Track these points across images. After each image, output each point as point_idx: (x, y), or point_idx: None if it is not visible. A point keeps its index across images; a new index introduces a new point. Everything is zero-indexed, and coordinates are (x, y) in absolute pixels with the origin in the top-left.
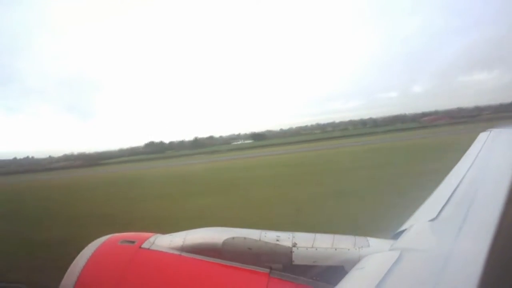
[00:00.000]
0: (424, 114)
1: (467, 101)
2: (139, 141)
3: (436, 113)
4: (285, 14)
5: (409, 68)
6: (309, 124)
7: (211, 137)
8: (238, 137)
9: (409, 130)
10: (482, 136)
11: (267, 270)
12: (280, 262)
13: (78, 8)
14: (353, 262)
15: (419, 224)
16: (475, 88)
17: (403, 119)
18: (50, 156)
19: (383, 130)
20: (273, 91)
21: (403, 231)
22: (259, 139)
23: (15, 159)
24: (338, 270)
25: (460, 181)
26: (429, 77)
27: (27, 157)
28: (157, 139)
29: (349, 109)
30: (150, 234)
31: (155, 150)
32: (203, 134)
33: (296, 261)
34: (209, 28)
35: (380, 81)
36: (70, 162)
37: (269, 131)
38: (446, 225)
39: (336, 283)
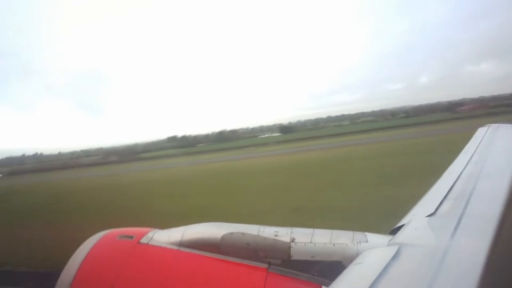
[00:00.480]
0: (457, 103)
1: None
2: (155, 135)
3: (473, 101)
4: (298, 11)
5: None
6: (318, 116)
7: (234, 131)
8: (261, 129)
9: (455, 121)
10: (480, 131)
11: (266, 265)
12: (278, 257)
13: (93, 6)
14: (351, 257)
15: (417, 219)
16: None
17: (433, 109)
18: (60, 153)
19: (423, 121)
20: (278, 85)
21: (401, 226)
22: (287, 131)
23: (23, 155)
24: (336, 265)
25: (458, 177)
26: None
27: (36, 153)
28: (178, 133)
29: (355, 100)
30: (148, 229)
31: (185, 144)
32: (211, 128)
33: (295, 256)
34: (224, 24)
35: (389, 73)
36: (100, 158)
37: (280, 125)
38: (444, 221)
39: (334, 278)
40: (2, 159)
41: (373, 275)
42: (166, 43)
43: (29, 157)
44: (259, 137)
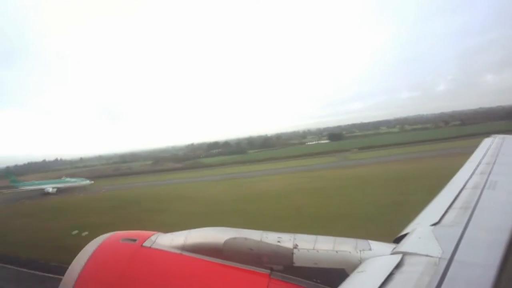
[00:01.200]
0: None
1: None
2: (169, 142)
3: None
4: (312, 20)
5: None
6: (330, 124)
7: (279, 136)
8: (295, 135)
9: None
10: (486, 142)
11: (268, 271)
12: (281, 263)
13: (118, 13)
14: (354, 265)
15: (421, 228)
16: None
17: (492, 116)
18: (81, 158)
19: (491, 129)
20: (291, 93)
21: (405, 235)
22: (337, 139)
23: (44, 161)
24: (339, 273)
25: (463, 187)
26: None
27: (56, 159)
28: (218, 140)
29: (366, 108)
30: (151, 232)
31: (234, 151)
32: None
33: (297, 262)
34: (242, 34)
35: (404, 80)
36: (153, 164)
37: (295, 133)
38: (448, 230)
39: (337, 285)
40: (25, 164)
41: (376, 284)
42: (182, 50)
43: (50, 162)
44: (309, 144)
